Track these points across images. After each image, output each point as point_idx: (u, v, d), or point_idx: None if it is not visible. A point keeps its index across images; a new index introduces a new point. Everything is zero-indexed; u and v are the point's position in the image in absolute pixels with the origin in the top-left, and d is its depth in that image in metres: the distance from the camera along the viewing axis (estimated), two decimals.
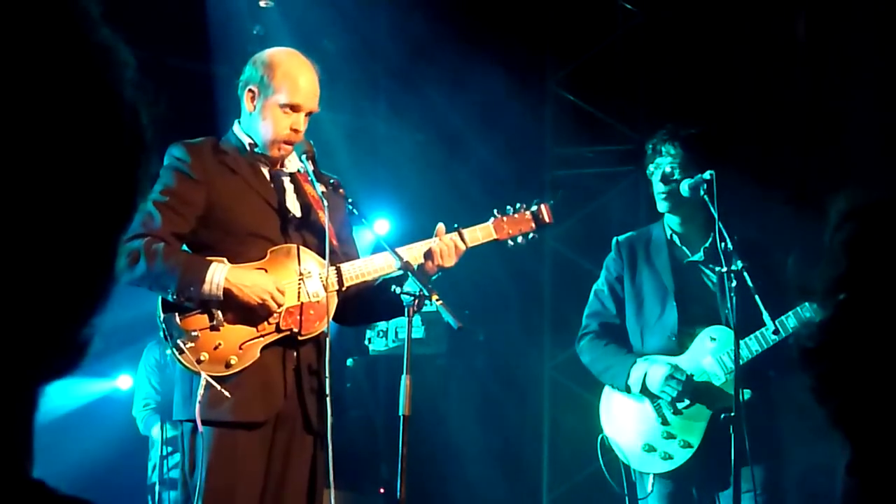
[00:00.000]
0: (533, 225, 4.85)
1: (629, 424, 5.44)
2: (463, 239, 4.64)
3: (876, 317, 1.29)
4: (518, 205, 4.86)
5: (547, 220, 4.88)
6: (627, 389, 5.38)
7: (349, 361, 8.83)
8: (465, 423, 9.10)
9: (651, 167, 5.43)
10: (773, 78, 8.45)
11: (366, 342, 8.56)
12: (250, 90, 4.54)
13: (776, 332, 4.97)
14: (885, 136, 7.64)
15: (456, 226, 4.66)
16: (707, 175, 5.15)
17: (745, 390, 5.06)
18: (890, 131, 7.62)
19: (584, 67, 9.02)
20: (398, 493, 4.34)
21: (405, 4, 8.33)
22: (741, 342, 5.05)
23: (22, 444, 0.89)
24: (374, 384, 9.39)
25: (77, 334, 0.90)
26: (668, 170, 5.33)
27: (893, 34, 7.73)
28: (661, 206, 5.42)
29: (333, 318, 4.57)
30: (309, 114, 4.55)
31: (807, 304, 4.93)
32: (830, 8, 8.22)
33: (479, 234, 4.73)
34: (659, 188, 5.38)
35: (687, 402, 5.27)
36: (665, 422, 5.32)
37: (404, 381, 4.35)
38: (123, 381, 9.50)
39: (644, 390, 5.33)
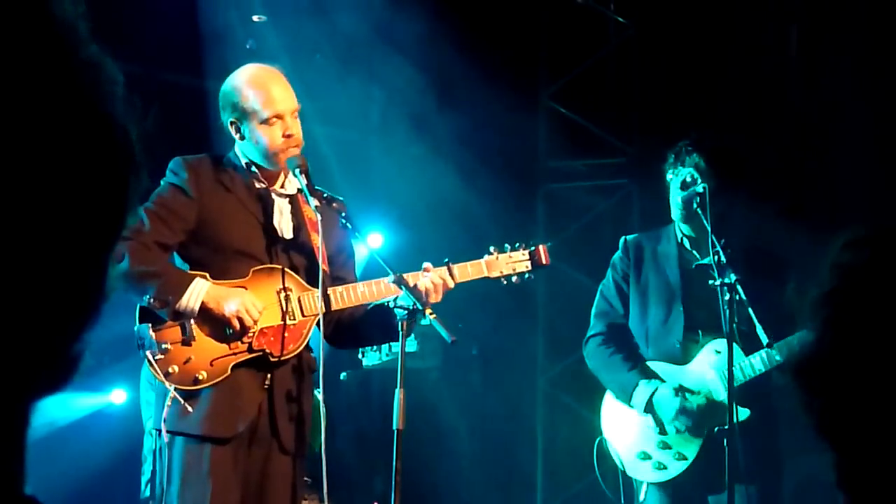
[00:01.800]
0: (529, 265, 4.80)
1: (627, 430, 5.42)
2: (452, 275, 4.59)
3: (862, 332, 1.31)
4: (517, 243, 4.81)
5: (544, 261, 4.84)
6: (631, 407, 5.38)
7: (342, 375, 8.82)
8: (459, 436, 9.09)
9: (671, 173, 5.39)
10: (766, 91, 8.47)
11: (359, 356, 8.55)
12: (232, 122, 4.53)
13: (769, 345, 4.94)
14: (877, 148, 7.65)
15: (446, 260, 4.61)
16: (700, 188, 5.15)
17: (743, 409, 5.06)
18: (882, 143, 7.64)
19: (576, 81, 9.03)
20: None
21: (398, 18, 8.33)
22: (746, 360, 5.06)
23: (14, 459, 0.89)
24: (367, 398, 9.37)
25: (68, 350, 0.90)
26: (689, 178, 5.30)
27: (885, 46, 7.75)
28: (676, 213, 5.39)
29: (325, 340, 4.56)
30: (294, 113, 4.53)
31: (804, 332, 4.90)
32: (822, 21, 8.24)
33: (469, 270, 4.69)
34: (677, 195, 5.34)
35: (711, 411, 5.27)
36: (663, 431, 5.31)
37: (398, 394, 4.34)
38: (117, 396, 9.48)
39: (650, 410, 5.31)
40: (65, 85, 0.87)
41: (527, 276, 4.82)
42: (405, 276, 4.52)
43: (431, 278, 4.52)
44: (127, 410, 8.15)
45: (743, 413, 5.08)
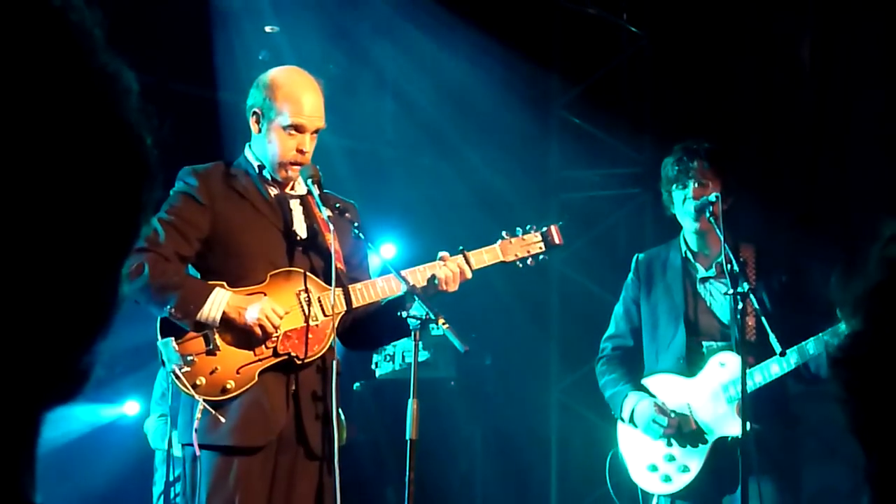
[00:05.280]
0: (542, 246, 4.83)
1: (639, 442, 5.45)
2: (468, 262, 4.61)
3: None
4: (528, 226, 4.83)
5: (557, 241, 4.86)
6: (623, 420, 5.45)
7: (356, 385, 8.81)
8: (472, 446, 9.07)
9: (676, 186, 5.37)
10: (779, 100, 8.45)
11: (372, 366, 8.55)
12: (255, 113, 4.53)
13: (782, 353, 4.91)
14: (890, 158, 7.63)
15: (461, 248, 4.63)
16: (713, 197, 5.15)
17: (750, 422, 5.05)
18: (895, 153, 7.61)
19: (589, 90, 9.03)
20: None
21: (410, 29, 8.34)
22: (758, 367, 5.04)
23: (24, 470, 0.89)
24: (380, 408, 9.36)
25: (79, 361, 0.89)
26: (697, 186, 5.29)
27: None
28: (688, 224, 5.38)
29: (338, 339, 4.56)
30: (315, 132, 4.53)
31: (829, 329, 4.88)
32: (835, 30, 8.23)
33: (485, 256, 4.70)
34: (690, 205, 5.30)
35: (691, 428, 5.27)
36: (670, 443, 5.33)
37: (411, 404, 4.33)
38: (130, 407, 9.48)
39: (632, 420, 5.40)
40: (80, 92, 0.87)
41: (541, 257, 4.84)
42: (421, 267, 4.56)
43: (449, 267, 4.54)
44: (140, 422, 8.14)
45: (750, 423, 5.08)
